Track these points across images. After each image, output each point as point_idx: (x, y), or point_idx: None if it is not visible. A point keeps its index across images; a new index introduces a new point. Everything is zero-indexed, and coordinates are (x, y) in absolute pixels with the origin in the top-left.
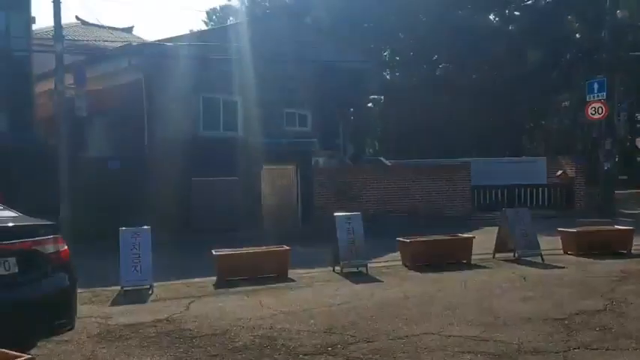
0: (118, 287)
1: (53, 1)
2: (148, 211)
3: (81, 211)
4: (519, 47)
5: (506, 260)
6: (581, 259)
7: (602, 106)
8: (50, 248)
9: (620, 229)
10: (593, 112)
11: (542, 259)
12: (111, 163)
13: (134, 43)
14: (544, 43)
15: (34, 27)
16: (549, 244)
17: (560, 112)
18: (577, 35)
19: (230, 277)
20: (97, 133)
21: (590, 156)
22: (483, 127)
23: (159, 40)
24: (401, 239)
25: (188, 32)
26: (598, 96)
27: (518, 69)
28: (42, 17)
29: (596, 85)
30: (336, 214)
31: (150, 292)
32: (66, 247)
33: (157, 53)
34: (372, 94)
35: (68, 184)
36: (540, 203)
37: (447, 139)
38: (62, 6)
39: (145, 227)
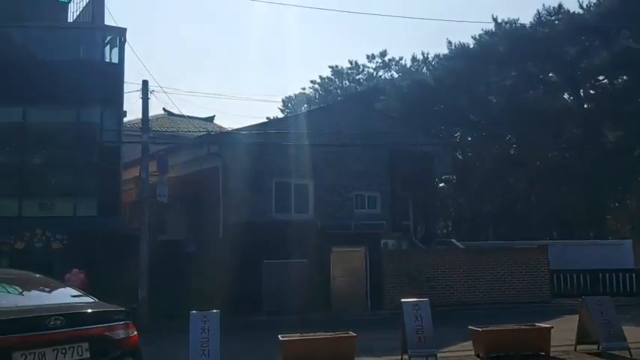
0: None
1: (142, 99)
2: (222, 293)
3: (158, 292)
4: (597, 126)
5: (589, 353)
6: None
7: None
8: (121, 334)
9: None
10: None
11: (630, 353)
12: (187, 247)
13: (213, 133)
14: (622, 121)
15: (125, 119)
16: (638, 335)
17: None
18: None
19: None
20: (176, 217)
21: None
22: (563, 208)
23: (236, 129)
24: (473, 327)
25: (265, 119)
26: None
27: (597, 148)
28: (133, 110)
29: None
30: (403, 300)
31: None
32: (135, 333)
33: (233, 141)
34: (444, 175)
35: (147, 266)
36: (628, 290)
37: (523, 220)
38: (151, 101)
39: (214, 311)
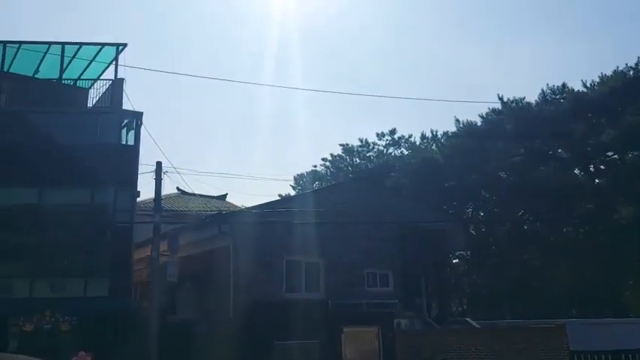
0: None
1: (155, 180)
2: None
3: None
4: (609, 202)
5: None
6: None
7: None
8: None
9: None
10: None
11: None
12: (196, 328)
13: (224, 211)
14: (634, 197)
15: (138, 199)
16: None
17: None
18: None
19: None
20: (186, 297)
21: None
22: (580, 285)
23: (247, 208)
24: None
25: (277, 196)
26: None
27: (611, 223)
28: (146, 189)
29: None
30: None
31: None
32: None
33: (244, 220)
34: (458, 251)
35: (157, 347)
36: None
37: (540, 297)
38: (164, 180)
39: None
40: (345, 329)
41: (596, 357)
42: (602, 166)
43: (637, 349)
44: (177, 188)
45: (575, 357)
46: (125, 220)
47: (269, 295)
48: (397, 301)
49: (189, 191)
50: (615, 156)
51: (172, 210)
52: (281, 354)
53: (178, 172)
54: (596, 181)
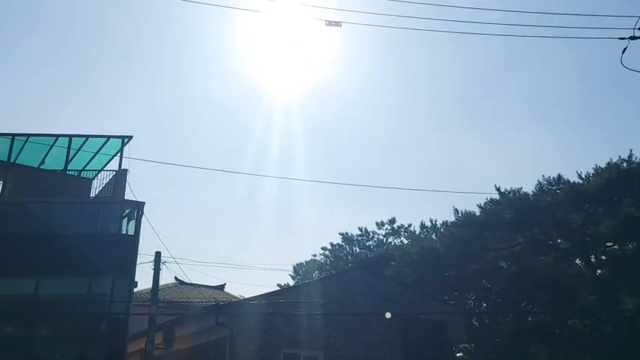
0: None
1: (154, 270)
2: None
3: None
4: (612, 293)
5: None
6: None
7: None
8: None
9: None
10: None
11: None
12: None
13: (222, 302)
14: (637, 287)
15: (135, 289)
16: None
17: None
18: None
19: None
20: None
21: None
22: None
23: (245, 299)
24: None
25: (276, 286)
26: None
27: (616, 315)
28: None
29: None
30: None
31: None
32: None
33: (242, 311)
34: (460, 343)
35: None
36: None
37: None
38: (162, 270)
39: None
40: None
41: None
42: (603, 257)
43: None
44: (176, 278)
45: None
46: (121, 310)
47: None
48: None
49: (188, 281)
50: (615, 246)
51: (169, 301)
52: None
53: (177, 262)
54: (598, 271)
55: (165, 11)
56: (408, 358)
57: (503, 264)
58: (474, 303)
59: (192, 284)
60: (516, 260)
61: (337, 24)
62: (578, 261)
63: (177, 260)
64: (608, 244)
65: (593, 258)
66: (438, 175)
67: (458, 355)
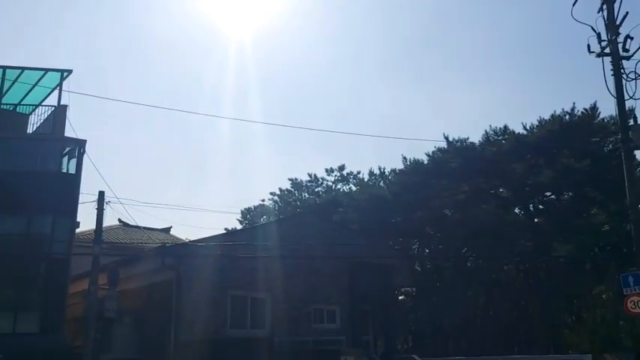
0: None
1: (97, 209)
2: None
3: None
4: (548, 240)
5: None
6: None
7: None
8: None
9: None
10: (633, 306)
11: None
12: None
13: (169, 244)
14: (571, 235)
15: (78, 230)
16: None
17: (600, 305)
18: (605, 227)
19: None
20: (125, 334)
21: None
22: (521, 322)
23: (192, 241)
24: None
25: (224, 230)
26: (635, 289)
27: (549, 262)
28: (87, 220)
29: (631, 279)
30: None
31: None
32: None
33: (189, 253)
34: (403, 287)
35: None
36: None
37: (484, 333)
38: (107, 212)
39: None
40: None
41: None
42: (540, 206)
43: None
44: (120, 220)
45: None
46: (62, 250)
47: (213, 332)
48: (344, 338)
49: (132, 223)
50: (552, 196)
51: (113, 242)
52: None
53: (121, 203)
54: (536, 220)
55: None
56: (354, 300)
57: (447, 211)
58: (418, 249)
59: (137, 226)
60: (460, 208)
61: None
62: (517, 210)
63: (121, 200)
64: (546, 193)
65: (531, 207)
66: (388, 124)
67: (400, 297)
